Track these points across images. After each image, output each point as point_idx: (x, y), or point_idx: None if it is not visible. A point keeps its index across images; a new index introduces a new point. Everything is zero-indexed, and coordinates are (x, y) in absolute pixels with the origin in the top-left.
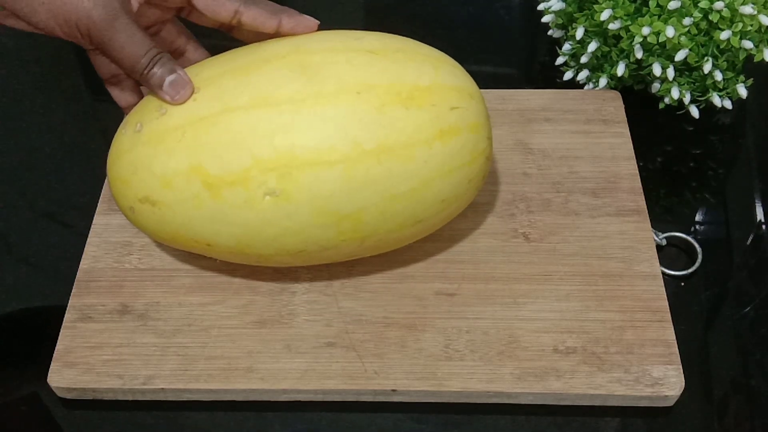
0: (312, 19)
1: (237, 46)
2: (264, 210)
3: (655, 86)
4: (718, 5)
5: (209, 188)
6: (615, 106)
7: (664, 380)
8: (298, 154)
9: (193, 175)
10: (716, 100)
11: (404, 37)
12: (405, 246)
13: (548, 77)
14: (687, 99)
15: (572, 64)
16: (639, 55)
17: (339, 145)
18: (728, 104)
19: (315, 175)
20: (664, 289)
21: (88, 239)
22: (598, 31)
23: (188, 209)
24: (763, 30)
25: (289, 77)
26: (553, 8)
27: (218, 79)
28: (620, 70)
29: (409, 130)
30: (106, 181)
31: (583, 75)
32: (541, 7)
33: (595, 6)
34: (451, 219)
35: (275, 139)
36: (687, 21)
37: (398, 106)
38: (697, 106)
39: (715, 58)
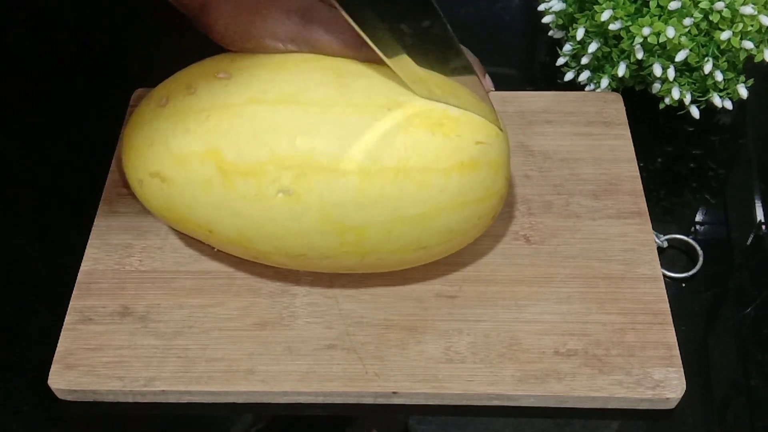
0: (490, 83)
1: None
2: (272, 207)
3: (656, 87)
4: (719, 5)
5: (223, 174)
6: (616, 108)
7: (666, 383)
8: (316, 158)
9: (208, 159)
10: (717, 101)
11: None
12: None
13: (549, 78)
14: (687, 99)
15: (573, 64)
16: (639, 55)
17: (358, 157)
18: (729, 105)
19: (328, 181)
20: (665, 291)
21: (89, 241)
22: (599, 31)
23: (197, 191)
24: (763, 30)
25: (321, 81)
26: (553, 9)
27: (252, 69)
28: (621, 70)
29: (430, 156)
30: (107, 182)
31: (584, 76)
32: (541, 7)
33: (595, 6)
34: (454, 251)
35: (296, 138)
36: (687, 21)
37: (425, 129)
38: (698, 107)
39: (715, 58)
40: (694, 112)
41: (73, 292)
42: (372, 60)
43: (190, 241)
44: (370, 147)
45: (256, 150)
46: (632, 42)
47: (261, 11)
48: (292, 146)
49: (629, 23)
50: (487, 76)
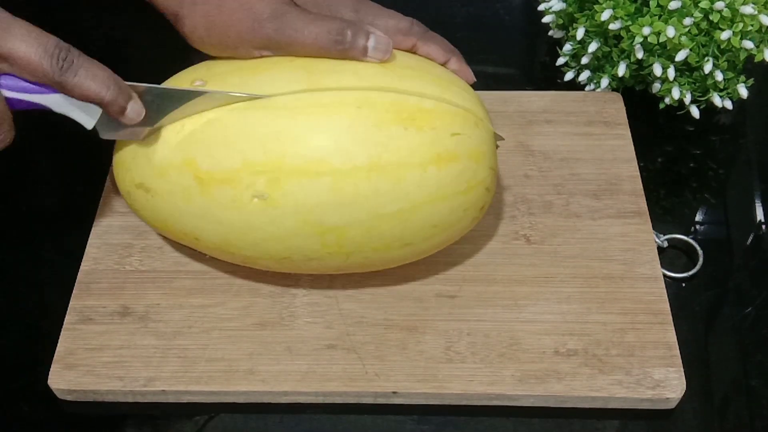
0: (471, 74)
1: None
2: (250, 212)
3: (656, 86)
4: (719, 5)
5: (200, 183)
6: (616, 107)
7: (666, 382)
8: (288, 161)
9: (185, 168)
10: (717, 101)
11: (418, 56)
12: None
13: (549, 78)
14: (687, 99)
15: (573, 64)
16: (640, 55)
17: (329, 158)
18: (729, 104)
19: (302, 184)
20: (665, 291)
21: (89, 241)
22: (599, 31)
23: (178, 201)
24: (763, 30)
25: (291, 82)
26: (553, 8)
27: (226, 75)
28: (621, 70)
29: (403, 151)
30: (106, 182)
31: (584, 76)
32: (541, 7)
33: (595, 6)
34: (446, 246)
35: (267, 143)
36: (687, 21)
37: (397, 125)
38: (698, 107)
39: (715, 58)
40: (694, 112)
41: (73, 292)
42: (345, 58)
43: None
44: (340, 147)
45: (228, 157)
46: (632, 42)
47: (233, 23)
48: (263, 151)
49: (629, 23)
50: (468, 68)
